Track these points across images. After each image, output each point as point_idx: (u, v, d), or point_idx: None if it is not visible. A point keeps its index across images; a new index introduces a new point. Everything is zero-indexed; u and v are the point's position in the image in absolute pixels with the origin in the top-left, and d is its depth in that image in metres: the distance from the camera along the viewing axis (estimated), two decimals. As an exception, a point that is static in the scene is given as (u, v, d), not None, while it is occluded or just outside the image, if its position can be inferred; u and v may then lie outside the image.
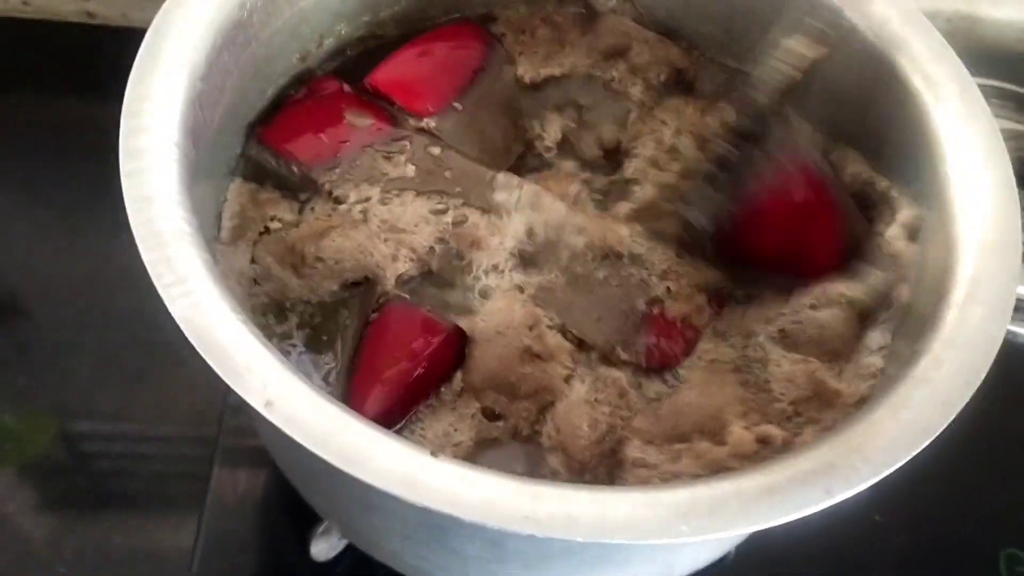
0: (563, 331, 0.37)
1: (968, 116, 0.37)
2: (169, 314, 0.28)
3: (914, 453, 0.28)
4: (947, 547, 0.49)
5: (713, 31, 0.45)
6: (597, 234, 0.39)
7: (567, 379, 0.36)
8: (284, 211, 0.39)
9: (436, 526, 0.32)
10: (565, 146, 0.43)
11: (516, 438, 0.35)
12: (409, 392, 0.35)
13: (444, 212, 0.39)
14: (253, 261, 0.37)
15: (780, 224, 0.39)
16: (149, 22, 0.34)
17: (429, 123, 0.41)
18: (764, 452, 0.33)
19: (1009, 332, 0.31)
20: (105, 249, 0.49)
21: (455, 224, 0.39)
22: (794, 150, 0.38)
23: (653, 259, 0.39)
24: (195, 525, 0.45)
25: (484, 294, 0.38)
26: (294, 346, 0.36)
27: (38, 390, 0.50)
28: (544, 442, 0.35)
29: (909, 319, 0.36)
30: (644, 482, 0.33)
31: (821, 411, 0.35)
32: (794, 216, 0.38)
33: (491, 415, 0.36)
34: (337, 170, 0.39)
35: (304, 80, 0.42)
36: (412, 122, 0.41)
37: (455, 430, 0.35)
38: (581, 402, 0.35)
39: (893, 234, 0.38)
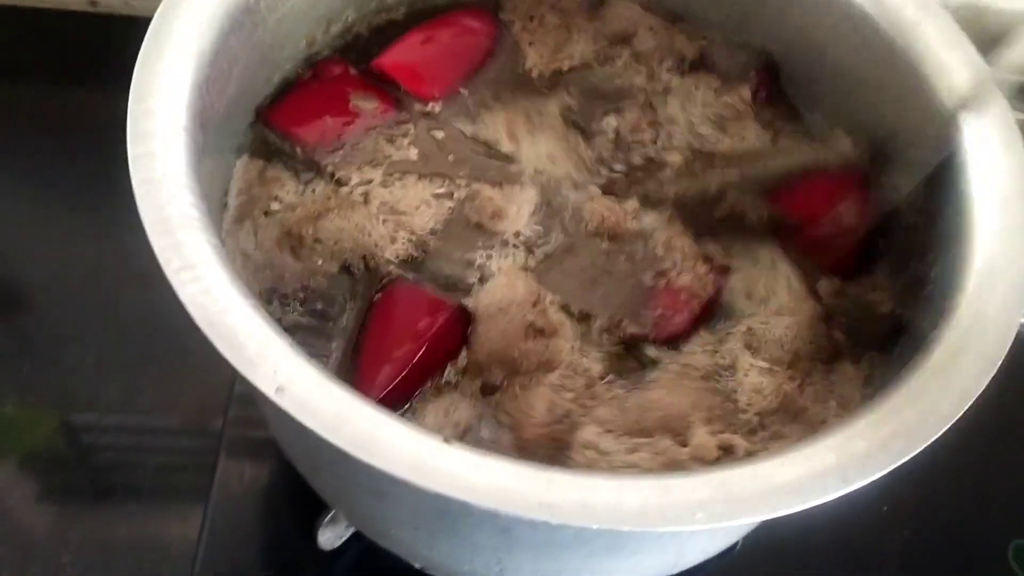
0: (566, 307, 0.37)
1: (982, 103, 0.36)
2: (173, 304, 0.28)
3: (930, 440, 0.28)
4: (955, 538, 0.49)
5: (729, 14, 0.45)
6: (604, 211, 0.39)
7: (569, 354, 0.36)
8: (289, 191, 0.39)
9: (446, 513, 0.31)
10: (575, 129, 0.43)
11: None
12: (416, 371, 0.35)
13: (448, 196, 0.39)
14: (256, 245, 0.37)
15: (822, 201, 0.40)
16: (153, 11, 0.34)
17: (434, 108, 0.41)
18: (725, 459, 0.33)
19: (1022, 324, 0.31)
20: (109, 239, 0.48)
21: (469, 199, 0.39)
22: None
23: (656, 233, 0.39)
24: (200, 516, 0.45)
25: (487, 271, 0.38)
26: (297, 329, 0.36)
27: (41, 381, 0.49)
28: (502, 418, 0.35)
29: (927, 308, 0.35)
30: (590, 466, 0.33)
31: (786, 424, 0.35)
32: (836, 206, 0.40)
33: (491, 389, 0.35)
34: (341, 152, 0.39)
35: (311, 65, 0.42)
36: (417, 106, 0.41)
37: (455, 409, 0.35)
38: (546, 386, 0.35)
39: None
